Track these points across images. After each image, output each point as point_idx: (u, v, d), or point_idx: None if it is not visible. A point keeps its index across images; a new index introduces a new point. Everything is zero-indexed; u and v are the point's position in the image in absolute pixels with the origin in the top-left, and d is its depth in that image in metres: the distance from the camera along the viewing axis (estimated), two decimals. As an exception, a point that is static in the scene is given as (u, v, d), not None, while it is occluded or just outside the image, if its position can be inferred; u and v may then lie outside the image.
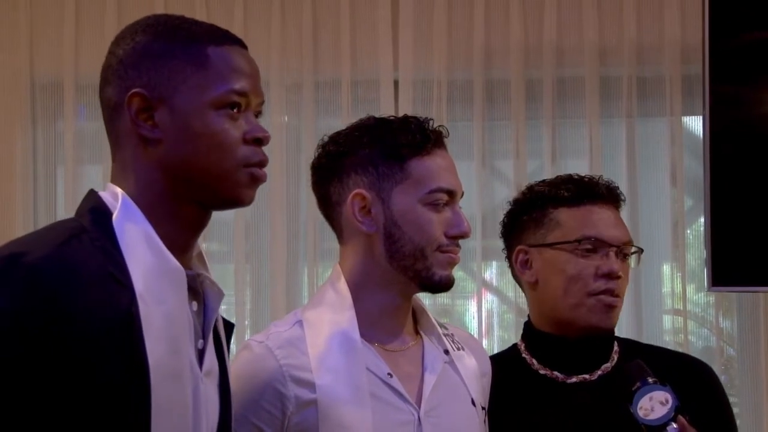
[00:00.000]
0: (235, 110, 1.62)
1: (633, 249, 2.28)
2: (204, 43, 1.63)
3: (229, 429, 1.70)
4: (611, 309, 2.22)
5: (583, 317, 2.22)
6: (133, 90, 1.60)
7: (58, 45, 3.76)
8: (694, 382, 2.25)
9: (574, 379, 2.25)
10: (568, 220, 2.24)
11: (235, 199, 1.63)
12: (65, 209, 3.71)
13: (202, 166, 1.60)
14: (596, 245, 2.22)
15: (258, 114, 1.67)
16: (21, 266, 1.48)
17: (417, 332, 2.07)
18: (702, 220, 3.45)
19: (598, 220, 2.24)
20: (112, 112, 1.64)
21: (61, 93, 3.75)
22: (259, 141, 1.63)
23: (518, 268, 2.29)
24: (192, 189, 1.61)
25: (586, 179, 2.30)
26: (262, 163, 1.64)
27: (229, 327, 1.76)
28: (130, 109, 1.61)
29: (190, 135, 1.60)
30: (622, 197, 2.32)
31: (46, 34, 3.78)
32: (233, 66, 1.63)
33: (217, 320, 1.70)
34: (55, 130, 3.81)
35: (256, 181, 1.64)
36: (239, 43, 1.67)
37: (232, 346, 1.80)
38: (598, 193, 2.27)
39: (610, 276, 2.21)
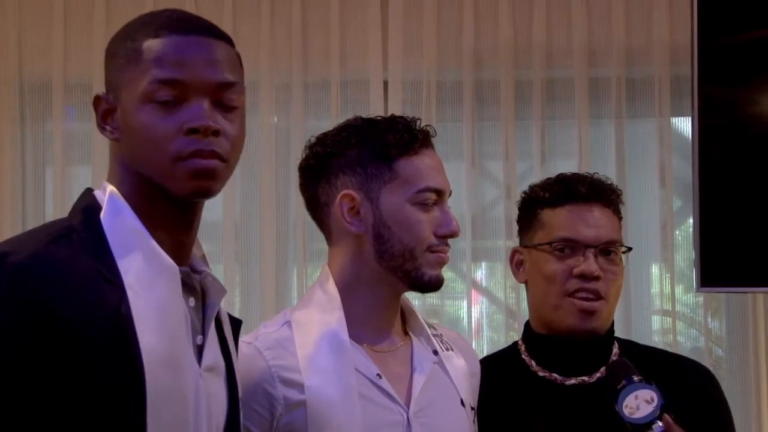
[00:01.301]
0: (166, 102, 1.56)
1: (618, 247, 2.26)
2: (141, 37, 1.59)
3: (238, 427, 1.68)
4: (589, 313, 2.21)
5: (560, 319, 2.21)
6: (97, 93, 1.62)
7: (46, 45, 3.74)
8: (690, 384, 2.25)
9: (573, 381, 2.24)
10: (550, 221, 2.24)
11: (178, 194, 1.57)
12: (54, 210, 3.70)
13: (143, 163, 1.58)
14: (572, 246, 2.21)
15: (220, 101, 1.58)
16: (7, 266, 1.48)
17: (406, 333, 2.06)
18: (691, 220, 3.45)
19: (576, 219, 2.22)
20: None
21: (50, 94, 3.73)
22: (194, 131, 1.55)
23: (513, 268, 2.31)
24: (149, 186, 1.59)
25: (571, 178, 2.29)
26: (200, 153, 1.55)
27: (236, 324, 1.74)
28: (96, 112, 1.62)
29: (129, 133, 1.58)
30: (613, 195, 2.28)
31: (34, 35, 3.76)
32: (159, 55, 1.56)
33: (222, 317, 1.69)
34: (44, 131, 3.79)
35: (199, 172, 1.55)
36: (186, 31, 1.58)
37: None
38: (577, 192, 2.24)
39: (585, 276, 2.20)
